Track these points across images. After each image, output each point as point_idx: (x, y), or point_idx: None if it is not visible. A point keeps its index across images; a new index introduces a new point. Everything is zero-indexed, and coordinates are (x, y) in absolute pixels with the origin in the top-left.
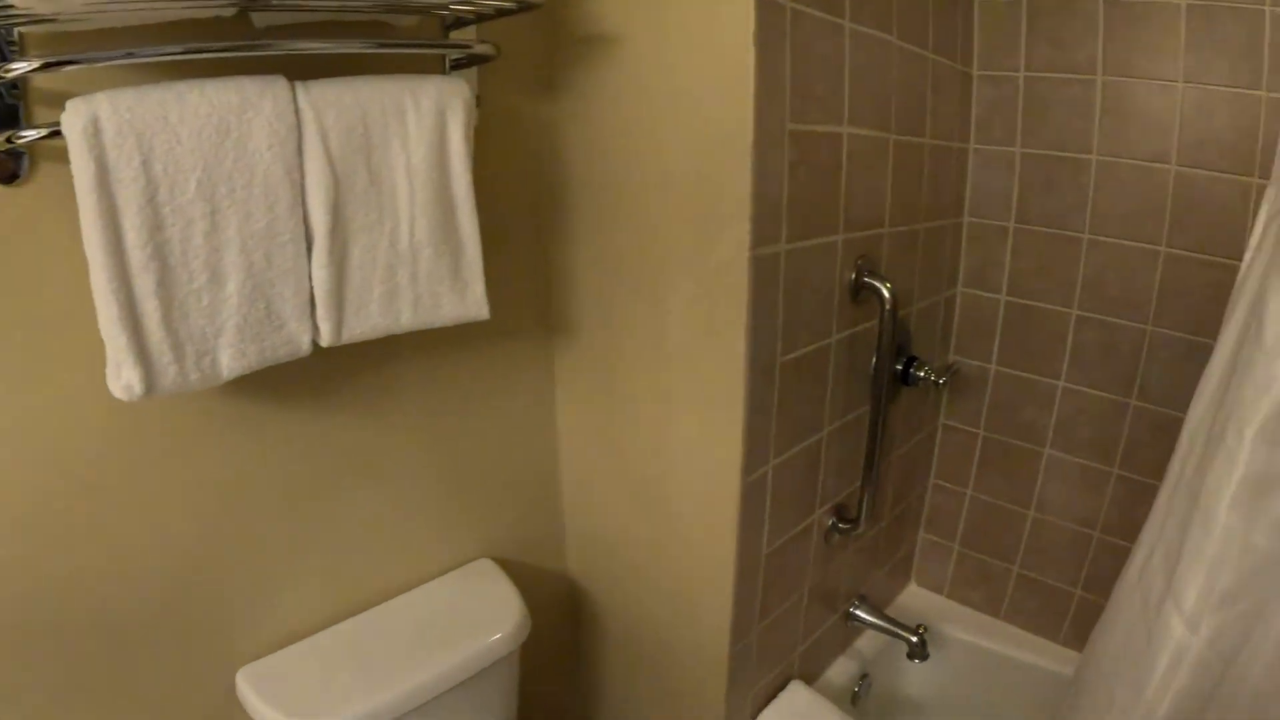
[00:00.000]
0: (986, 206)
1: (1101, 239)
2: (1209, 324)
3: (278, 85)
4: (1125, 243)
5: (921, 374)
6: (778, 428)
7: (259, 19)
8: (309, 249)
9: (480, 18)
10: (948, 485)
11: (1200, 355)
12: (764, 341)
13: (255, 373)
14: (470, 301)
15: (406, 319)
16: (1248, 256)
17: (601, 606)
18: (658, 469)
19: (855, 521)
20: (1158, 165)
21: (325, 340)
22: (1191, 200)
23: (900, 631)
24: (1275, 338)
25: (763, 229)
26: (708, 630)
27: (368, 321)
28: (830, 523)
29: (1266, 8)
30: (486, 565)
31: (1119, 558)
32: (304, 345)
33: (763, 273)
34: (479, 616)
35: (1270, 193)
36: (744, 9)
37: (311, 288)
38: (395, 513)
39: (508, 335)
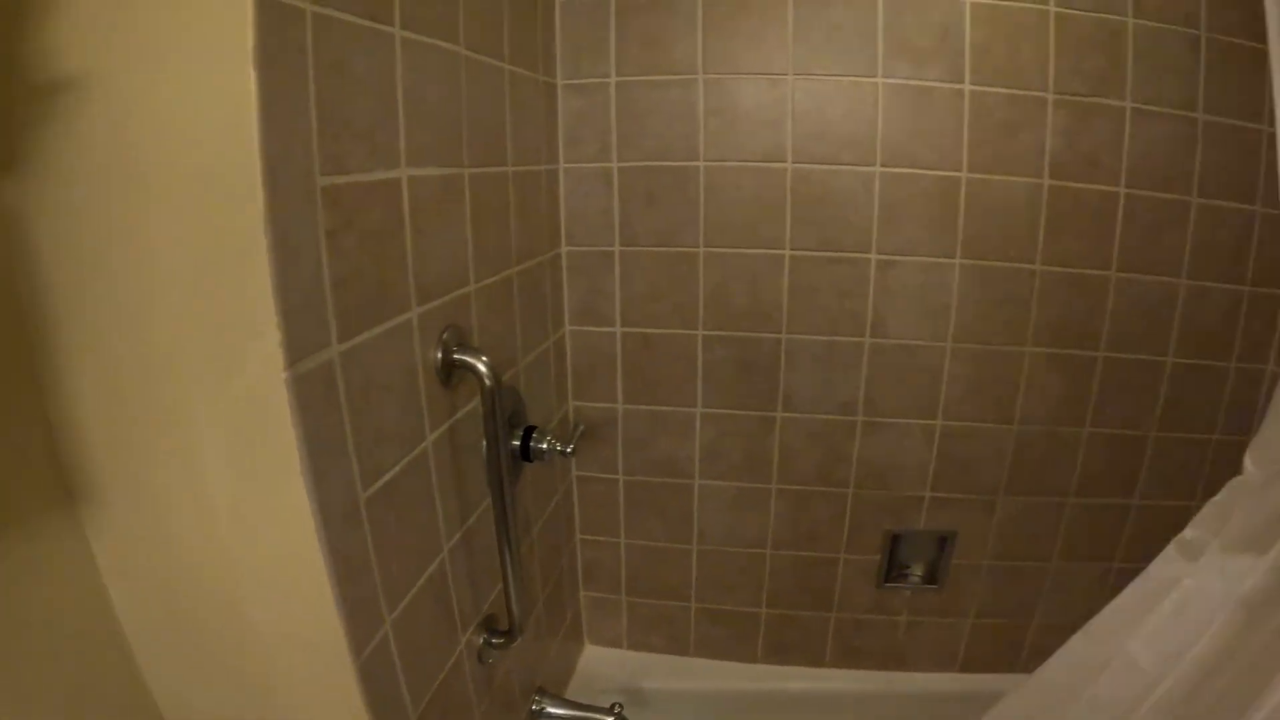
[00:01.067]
0: (585, 232)
1: (719, 250)
2: (844, 323)
3: None
4: (746, 251)
5: (545, 445)
6: (383, 575)
7: None
8: None
9: None
10: (597, 538)
11: (838, 355)
12: (335, 483)
13: None
14: None
15: None
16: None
17: None
18: (245, 653)
19: (509, 632)
20: (773, 165)
21: None
22: (813, 197)
23: (596, 716)
24: None
25: (301, 333)
26: None
27: None
28: (482, 641)
29: None
30: None
31: (798, 570)
32: None
33: (312, 394)
34: None
35: None
36: (239, 13)
37: None
38: None
39: (7, 522)
